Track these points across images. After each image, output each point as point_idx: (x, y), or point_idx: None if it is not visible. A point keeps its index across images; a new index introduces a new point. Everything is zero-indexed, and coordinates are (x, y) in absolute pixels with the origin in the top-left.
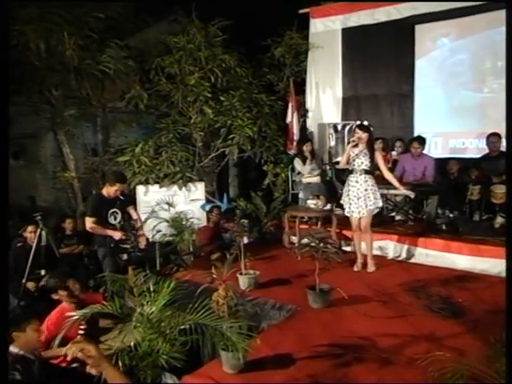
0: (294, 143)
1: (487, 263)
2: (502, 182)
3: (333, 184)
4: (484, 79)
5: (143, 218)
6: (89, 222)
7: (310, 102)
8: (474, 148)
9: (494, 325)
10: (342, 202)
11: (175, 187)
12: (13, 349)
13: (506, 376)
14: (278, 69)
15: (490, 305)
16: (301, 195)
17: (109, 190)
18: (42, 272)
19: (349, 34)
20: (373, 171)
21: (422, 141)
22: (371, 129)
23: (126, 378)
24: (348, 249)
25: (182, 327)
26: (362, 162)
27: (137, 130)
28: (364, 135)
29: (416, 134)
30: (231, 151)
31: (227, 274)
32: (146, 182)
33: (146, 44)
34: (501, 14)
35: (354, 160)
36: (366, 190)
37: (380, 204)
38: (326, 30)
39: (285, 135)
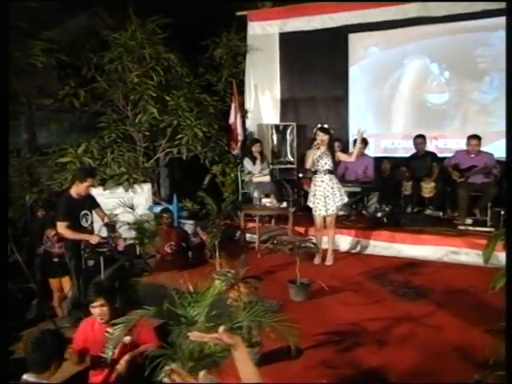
0: (239, 143)
1: (428, 250)
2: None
3: (281, 183)
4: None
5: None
6: (61, 228)
7: (249, 103)
8: (402, 148)
9: (455, 303)
10: (308, 202)
11: (120, 189)
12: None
13: (506, 375)
14: (215, 69)
15: (444, 286)
16: (255, 194)
17: (79, 189)
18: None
19: (286, 39)
20: (335, 170)
21: (365, 141)
22: (331, 131)
23: None
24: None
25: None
26: (326, 163)
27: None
28: (325, 137)
29: (351, 135)
30: (181, 151)
31: (243, 272)
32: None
33: (72, 37)
34: (422, 28)
35: (317, 161)
36: (332, 188)
37: (345, 200)
38: (264, 34)
39: (227, 135)
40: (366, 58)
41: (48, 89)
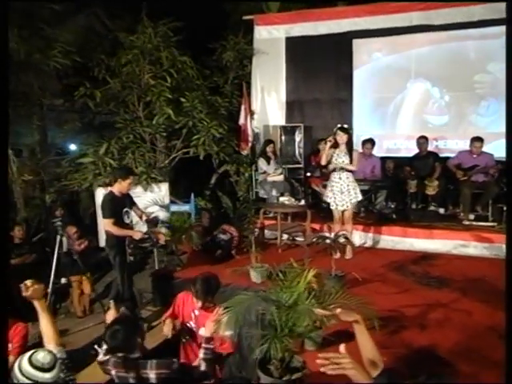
0: (249, 144)
1: (438, 244)
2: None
3: (291, 182)
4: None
5: None
6: (108, 225)
7: (256, 104)
8: (405, 148)
9: (476, 290)
10: (325, 197)
11: (138, 188)
12: None
13: (506, 376)
14: (221, 72)
15: (461, 275)
16: (273, 193)
17: (121, 187)
18: (63, 280)
19: (292, 43)
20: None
21: (373, 142)
22: (350, 132)
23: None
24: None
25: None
26: (343, 161)
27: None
28: (345, 136)
29: (355, 135)
30: (198, 151)
31: (307, 262)
32: (107, 184)
33: (82, 38)
34: (425, 36)
35: (335, 159)
36: (348, 185)
37: (360, 197)
38: (271, 38)
39: (237, 136)
40: (369, 62)
41: (49, 88)
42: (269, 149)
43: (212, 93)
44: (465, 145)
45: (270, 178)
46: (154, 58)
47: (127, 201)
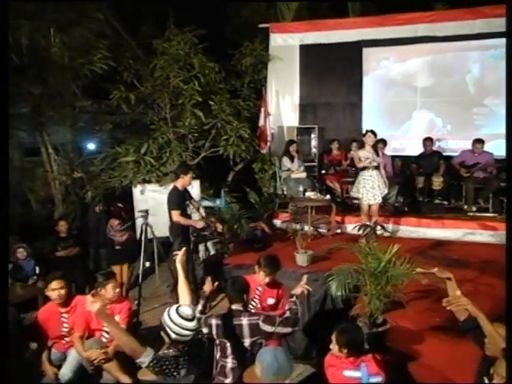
0: (268, 143)
1: (449, 232)
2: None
3: (311, 179)
4: (416, 96)
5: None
6: (176, 216)
7: (271, 107)
8: (410, 148)
9: (491, 269)
10: (353, 193)
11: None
12: None
13: (507, 376)
14: (237, 76)
15: (476, 258)
16: (300, 188)
17: (184, 181)
18: (147, 264)
19: (306, 50)
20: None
21: (385, 142)
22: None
23: None
24: (338, 231)
25: None
26: (374, 160)
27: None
28: (374, 139)
29: None
30: (228, 151)
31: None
32: (145, 181)
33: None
34: (430, 46)
35: (366, 159)
36: (378, 181)
37: (386, 191)
38: (285, 45)
39: (257, 137)
40: (378, 69)
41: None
42: (292, 148)
43: (232, 96)
44: (463, 145)
45: (293, 175)
46: (182, 63)
47: (187, 194)
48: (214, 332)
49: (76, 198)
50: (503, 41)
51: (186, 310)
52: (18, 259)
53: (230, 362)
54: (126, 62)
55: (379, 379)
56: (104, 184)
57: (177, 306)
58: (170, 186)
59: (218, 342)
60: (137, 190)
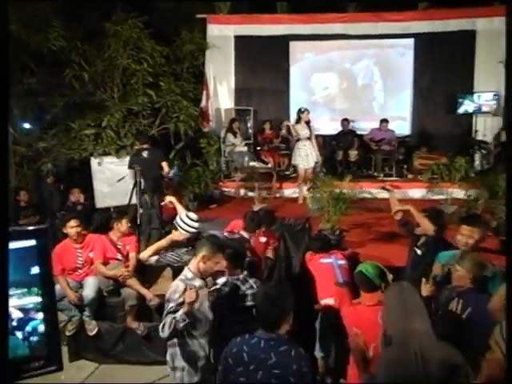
0: (210, 123)
1: (365, 193)
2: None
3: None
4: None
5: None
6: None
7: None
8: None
9: None
10: (293, 161)
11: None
12: None
13: (507, 376)
14: (177, 61)
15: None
16: (246, 159)
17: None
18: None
19: (240, 40)
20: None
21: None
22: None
23: None
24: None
25: None
26: (306, 133)
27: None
28: (308, 116)
29: (292, 118)
30: (179, 127)
31: None
32: (105, 154)
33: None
34: (344, 42)
35: (299, 132)
36: (310, 149)
37: (319, 158)
38: (222, 35)
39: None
40: (302, 60)
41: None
42: (234, 125)
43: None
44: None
45: (237, 149)
46: (131, 45)
47: None
48: None
49: (28, 171)
50: (399, 41)
51: (192, 215)
52: None
53: None
54: (73, 42)
55: (343, 262)
56: (65, 156)
57: (186, 212)
58: (126, 159)
59: None
60: (95, 162)
